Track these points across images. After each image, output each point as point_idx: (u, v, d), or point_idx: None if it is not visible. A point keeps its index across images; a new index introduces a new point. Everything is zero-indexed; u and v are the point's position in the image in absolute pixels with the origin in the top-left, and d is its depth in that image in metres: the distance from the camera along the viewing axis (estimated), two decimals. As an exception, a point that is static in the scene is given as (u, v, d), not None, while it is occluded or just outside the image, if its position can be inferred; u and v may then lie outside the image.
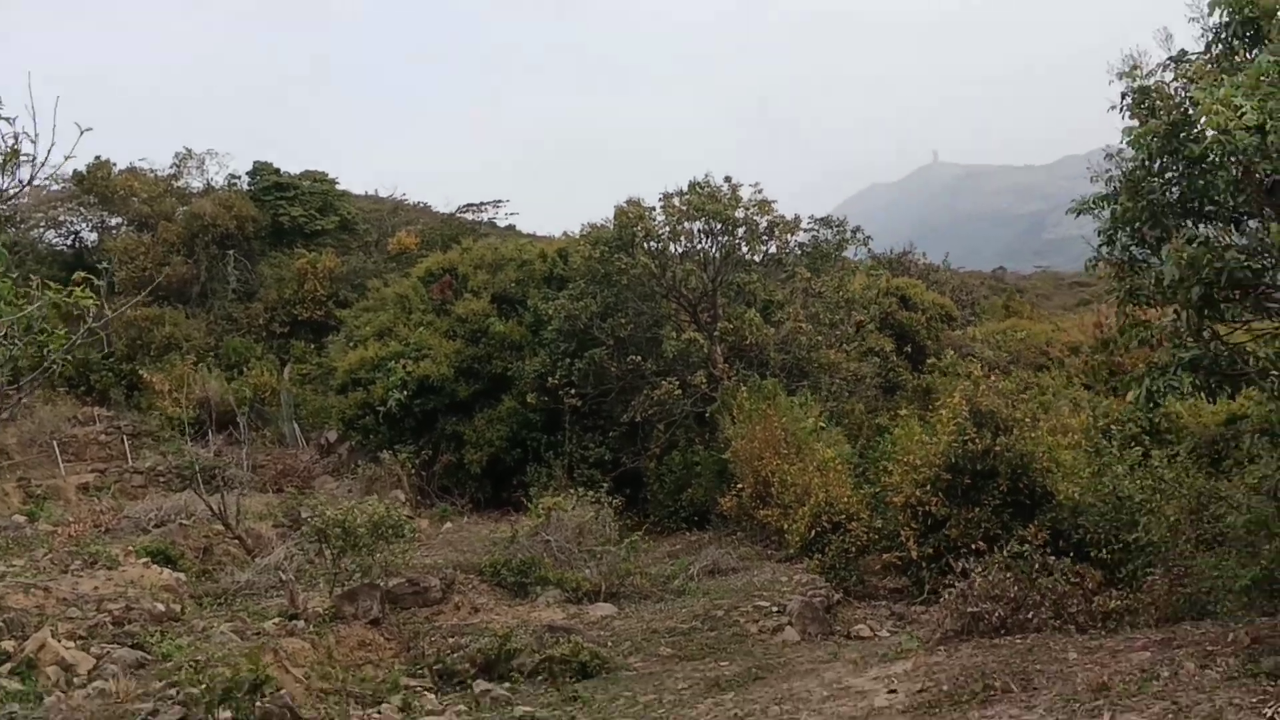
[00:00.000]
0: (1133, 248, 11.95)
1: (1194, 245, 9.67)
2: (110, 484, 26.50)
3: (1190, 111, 10.35)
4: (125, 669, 10.77)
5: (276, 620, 14.27)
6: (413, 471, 27.44)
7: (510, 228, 54.36)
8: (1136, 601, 12.06)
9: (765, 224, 27.63)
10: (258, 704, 8.14)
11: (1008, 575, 11.76)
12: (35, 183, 6.02)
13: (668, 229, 26.94)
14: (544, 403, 27.60)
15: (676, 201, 27.31)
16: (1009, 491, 16.72)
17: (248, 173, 47.49)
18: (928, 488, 17.15)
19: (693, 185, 27.44)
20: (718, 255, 27.35)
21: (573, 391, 26.94)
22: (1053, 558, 12.51)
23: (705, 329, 26.57)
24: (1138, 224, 11.42)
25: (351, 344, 32.04)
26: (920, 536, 17.12)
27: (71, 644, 11.27)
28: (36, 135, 5.83)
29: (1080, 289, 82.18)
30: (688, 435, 26.32)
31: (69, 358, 8.30)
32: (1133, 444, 18.46)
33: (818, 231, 29.24)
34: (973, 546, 16.45)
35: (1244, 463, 14.74)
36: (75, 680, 10.60)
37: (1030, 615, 11.15)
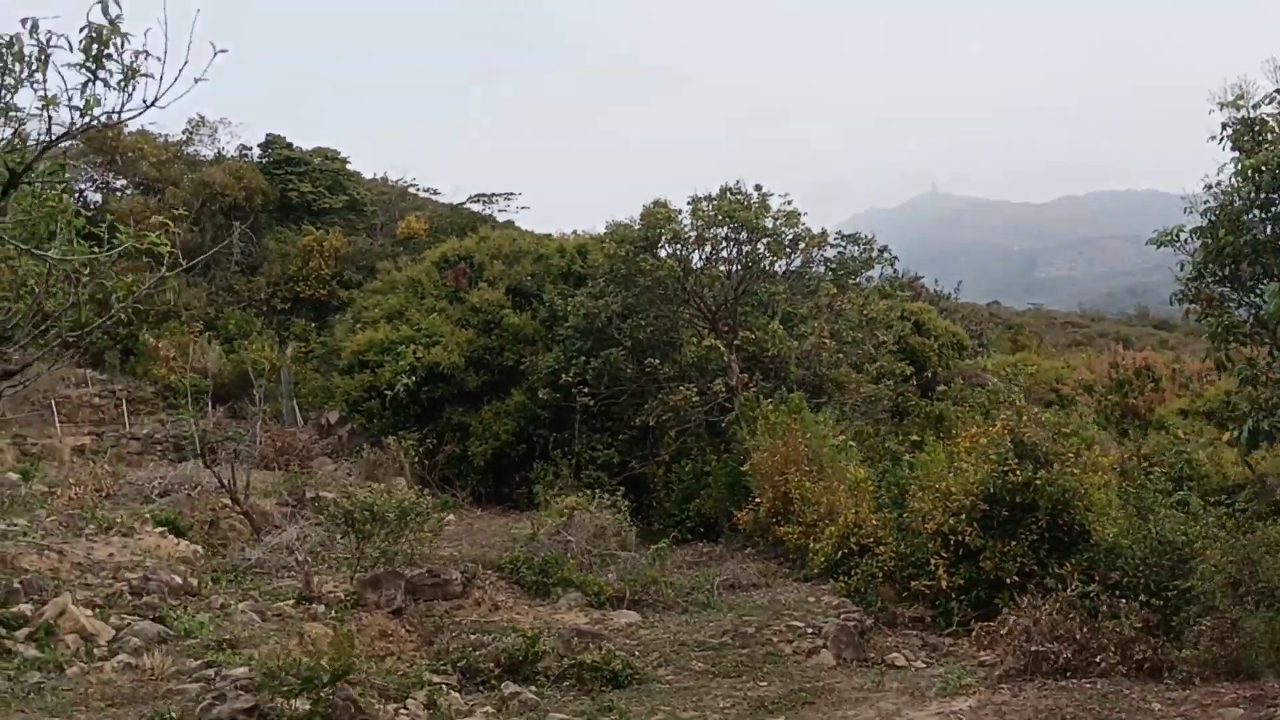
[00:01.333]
0: (1219, 284, 11.59)
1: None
2: (106, 448, 25.82)
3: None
4: (147, 643, 10.20)
5: (291, 602, 13.72)
6: (415, 459, 26.84)
7: (509, 223, 53.62)
8: (1206, 653, 11.56)
9: (792, 236, 27.21)
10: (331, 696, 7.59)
11: (1072, 615, 11.28)
12: (160, 104, 5.47)
13: (694, 233, 26.47)
14: (555, 399, 27.07)
15: (705, 206, 26.86)
16: (1048, 527, 16.28)
17: (259, 145, 46.82)
18: (963, 517, 16.69)
19: (724, 190, 26.98)
20: (742, 263, 26.92)
21: (586, 390, 26.42)
22: (1122, 600, 11.99)
23: (724, 337, 26.10)
24: (1236, 260, 11.04)
25: (359, 325, 31.42)
26: (950, 566, 16.66)
27: (88, 612, 10.68)
28: (166, 53, 5.27)
29: (1073, 329, 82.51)
30: (700, 444, 25.83)
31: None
32: (1171, 488, 18.12)
33: (844, 248, 28.82)
34: (1008, 581, 16.07)
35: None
36: (96, 651, 10.03)
37: (1098, 659, 10.69)
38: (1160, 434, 27.90)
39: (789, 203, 27.38)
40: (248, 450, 21.65)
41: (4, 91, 5.51)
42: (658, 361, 25.74)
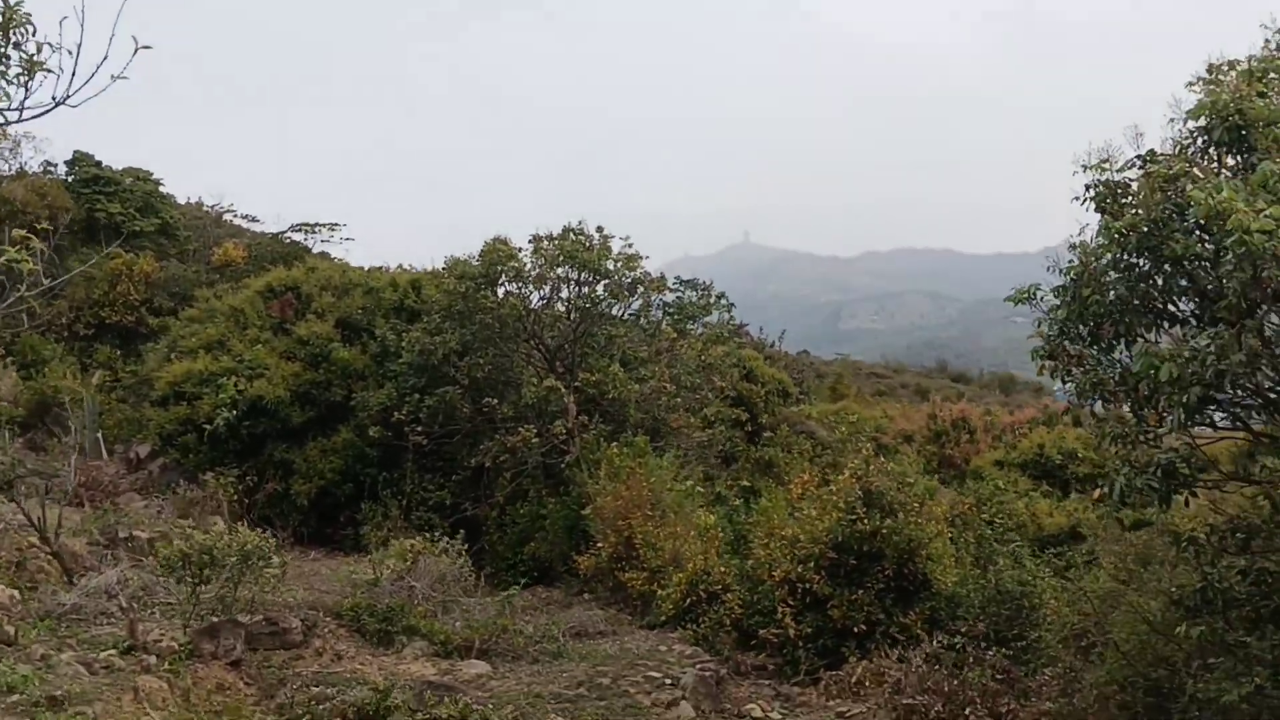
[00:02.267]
0: (1078, 342, 11.85)
1: (1190, 345, 9.46)
2: (-115, 481, 23.54)
3: (1180, 209, 10.28)
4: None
5: (115, 652, 12.61)
6: (234, 497, 25.46)
7: (323, 254, 51.87)
8: (1057, 706, 11.72)
9: (631, 279, 27.09)
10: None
11: (938, 667, 11.27)
12: (71, 103, 4.80)
13: (536, 271, 26.09)
14: (386, 437, 26.14)
15: (547, 245, 26.52)
16: (894, 576, 16.44)
17: (66, 161, 44.21)
18: (810, 565, 16.70)
19: (566, 230, 26.70)
20: (582, 304, 26.65)
21: (419, 429, 25.60)
22: (989, 651, 12.06)
23: (564, 378, 25.74)
24: (1098, 319, 11.30)
25: (175, 354, 29.73)
26: (798, 614, 16.61)
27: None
28: (79, 45, 4.63)
29: (877, 379, 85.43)
30: (536, 486, 25.32)
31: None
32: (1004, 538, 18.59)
33: (683, 292, 28.88)
34: (855, 630, 16.13)
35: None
36: (-100, 713, 8.89)
37: (966, 711, 10.69)
38: (978, 484, 28.77)
39: (629, 245, 27.33)
40: (58, 485, 20.06)
41: None
42: (496, 401, 25.16)
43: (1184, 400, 9.30)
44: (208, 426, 26.32)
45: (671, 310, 28.71)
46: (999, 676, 11.73)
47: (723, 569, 17.77)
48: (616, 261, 26.71)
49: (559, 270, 26.30)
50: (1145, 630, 12.51)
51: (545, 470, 25.40)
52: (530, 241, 26.88)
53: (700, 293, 29.08)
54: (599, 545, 20.57)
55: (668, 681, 13.78)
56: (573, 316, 26.34)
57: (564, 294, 26.93)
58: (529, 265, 26.40)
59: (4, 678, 9.88)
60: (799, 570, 16.73)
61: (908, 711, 10.78)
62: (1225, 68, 11.20)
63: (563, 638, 16.52)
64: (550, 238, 26.80)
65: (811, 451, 32.88)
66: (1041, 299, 12.81)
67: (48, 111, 4.84)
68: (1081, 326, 11.54)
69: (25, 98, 4.79)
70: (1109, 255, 11.05)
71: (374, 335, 28.53)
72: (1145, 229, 10.54)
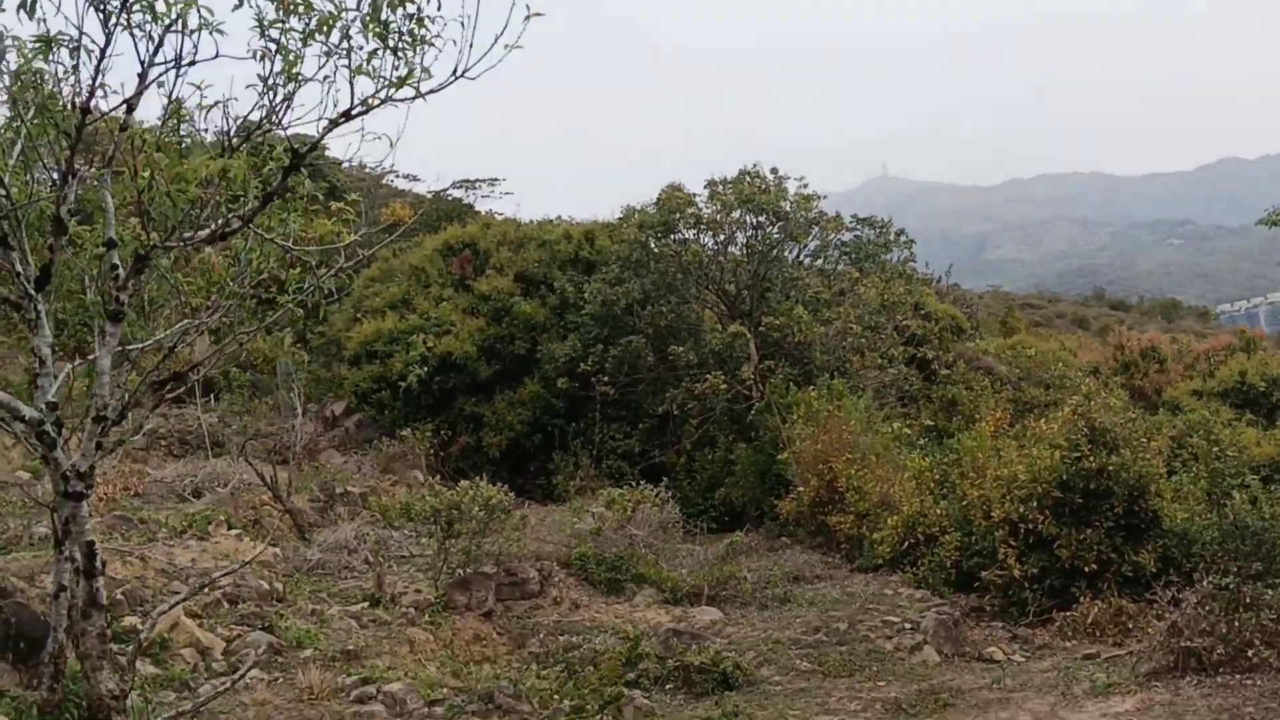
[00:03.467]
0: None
1: None
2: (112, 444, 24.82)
3: None
4: (264, 655, 9.57)
5: (364, 604, 13.10)
6: (429, 451, 26.17)
7: (490, 211, 52.72)
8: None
9: (807, 219, 26.80)
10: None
11: (1215, 607, 10.93)
12: (470, 75, 4.83)
13: (716, 217, 26.00)
14: (573, 388, 26.49)
15: (723, 189, 26.40)
16: (1124, 514, 15.98)
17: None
18: (1034, 504, 16.34)
19: (741, 174, 26.54)
20: (761, 248, 26.48)
21: (605, 379, 25.86)
22: (1268, 591, 11.64)
23: (744, 324, 25.66)
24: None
25: (361, 314, 30.58)
26: (1021, 555, 16.30)
27: (195, 624, 10.02)
28: (476, 17, 4.65)
29: (1031, 310, 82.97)
30: (722, 432, 25.40)
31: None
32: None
33: (861, 231, 28.44)
34: (1085, 569, 15.76)
35: None
36: (214, 665, 9.38)
37: (1248, 653, 10.35)
38: (1176, 415, 27.78)
39: (805, 185, 27.03)
40: (284, 445, 20.89)
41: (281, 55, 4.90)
42: (680, 349, 25.22)
43: None
44: (401, 383, 27.01)
45: (849, 249, 28.30)
46: (1274, 616, 11.24)
47: (939, 511, 17.53)
48: (792, 202, 26.45)
49: (735, 214, 26.17)
50: None
51: (731, 416, 25.43)
52: (706, 187, 26.81)
53: (879, 230, 28.58)
54: (800, 489, 20.51)
55: (907, 626, 13.70)
56: (752, 260, 26.20)
57: (740, 238, 26.81)
58: (706, 211, 26.32)
59: (292, 633, 10.34)
60: (1021, 510, 16.37)
61: (1185, 654, 10.48)
62: None
63: (784, 583, 16.56)
64: (725, 181, 26.66)
65: (992, 388, 32.24)
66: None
67: (445, 85, 4.89)
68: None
69: (421, 72, 4.82)
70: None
71: (552, 288, 28.85)
72: None
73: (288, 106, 5.02)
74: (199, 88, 5.39)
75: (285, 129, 5.37)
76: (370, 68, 4.79)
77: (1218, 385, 31.13)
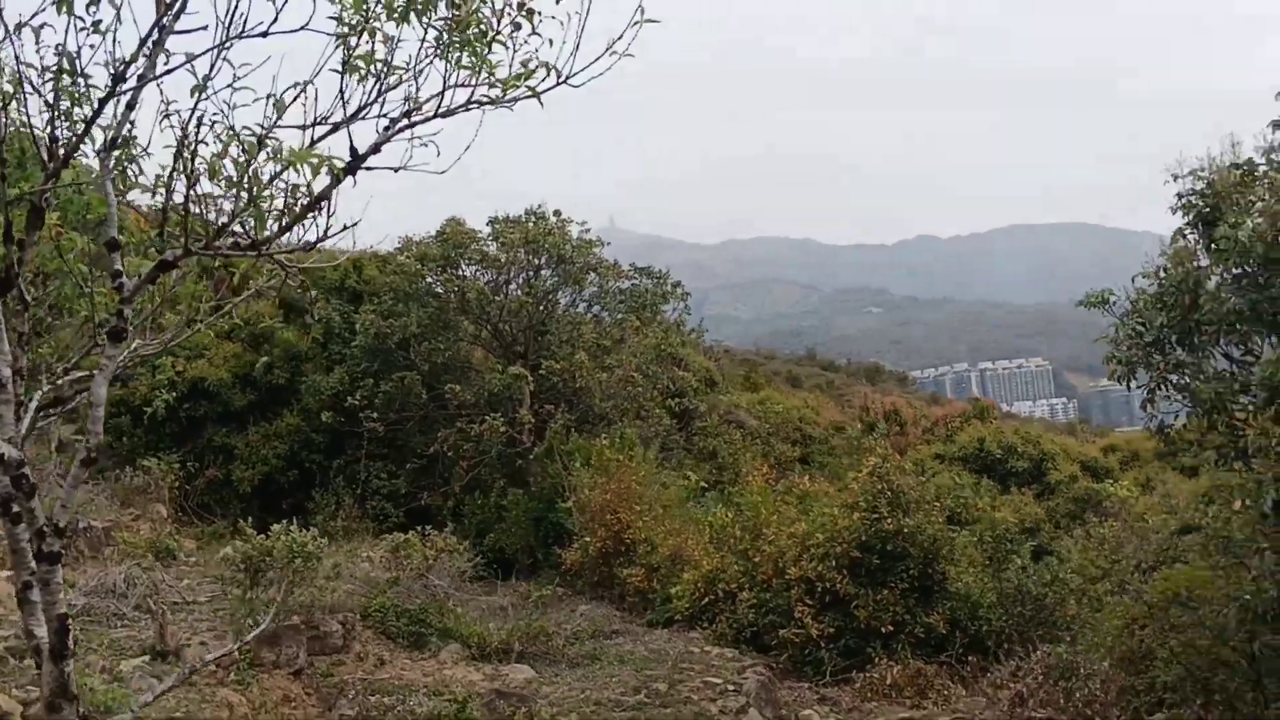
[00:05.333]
0: (1172, 353, 11.86)
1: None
2: None
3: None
4: None
5: (145, 659, 11.70)
6: (173, 484, 24.13)
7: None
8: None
9: (583, 264, 26.55)
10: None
11: (1053, 679, 11.16)
12: (573, 82, 4.05)
13: (502, 255, 25.38)
14: (337, 423, 25.08)
15: (506, 227, 25.84)
16: (918, 576, 16.37)
17: None
18: (831, 563, 16.50)
19: (528, 213, 26.07)
20: (542, 289, 26.03)
21: (374, 415, 24.63)
22: (1102, 662, 11.97)
23: (524, 365, 25.07)
24: (1201, 328, 11.32)
25: (98, 331, 28.03)
26: (816, 614, 16.40)
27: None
28: (585, 15, 3.95)
29: (748, 365, 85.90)
30: (494, 476, 24.64)
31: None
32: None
33: (639, 280, 28.41)
34: (882, 630, 15.99)
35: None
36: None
37: (1086, 722, 10.60)
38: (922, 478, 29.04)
39: (587, 230, 26.84)
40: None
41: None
42: (458, 388, 24.33)
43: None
44: (145, 409, 24.84)
45: (624, 298, 28.18)
46: (1099, 685, 11.58)
47: (737, 568, 17.44)
48: (574, 246, 26.17)
49: (520, 254, 25.64)
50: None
51: (504, 460, 24.73)
52: (489, 224, 26.19)
53: (656, 281, 28.62)
54: (586, 539, 20.02)
55: (730, 688, 13.38)
56: (531, 302, 25.68)
57: (520, 279, 26.29)
58: (491, 249, 25.68)
59: (100, 696, 8.96)
60: (818, 569, 16.50)
61: (1025, 725, 10.64)
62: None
63: (577, 638, 16.01)
64: (509, 220, 26.12)
65: (744, 442, 32.89)
66: (1114, 304, 12.87)
67: (545, 91, 4.12)
68: (1183, 336, 11.56)
69: (524, 76, 4.04)
70: (1219, 265, 11.06)
71: (317, 317, 27.35)
72: (1270, 239, 10.53)
73: (381, 100, 4.18)
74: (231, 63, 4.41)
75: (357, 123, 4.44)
76: (477, 60, 3.99)
77: (958, 450, 32.89)
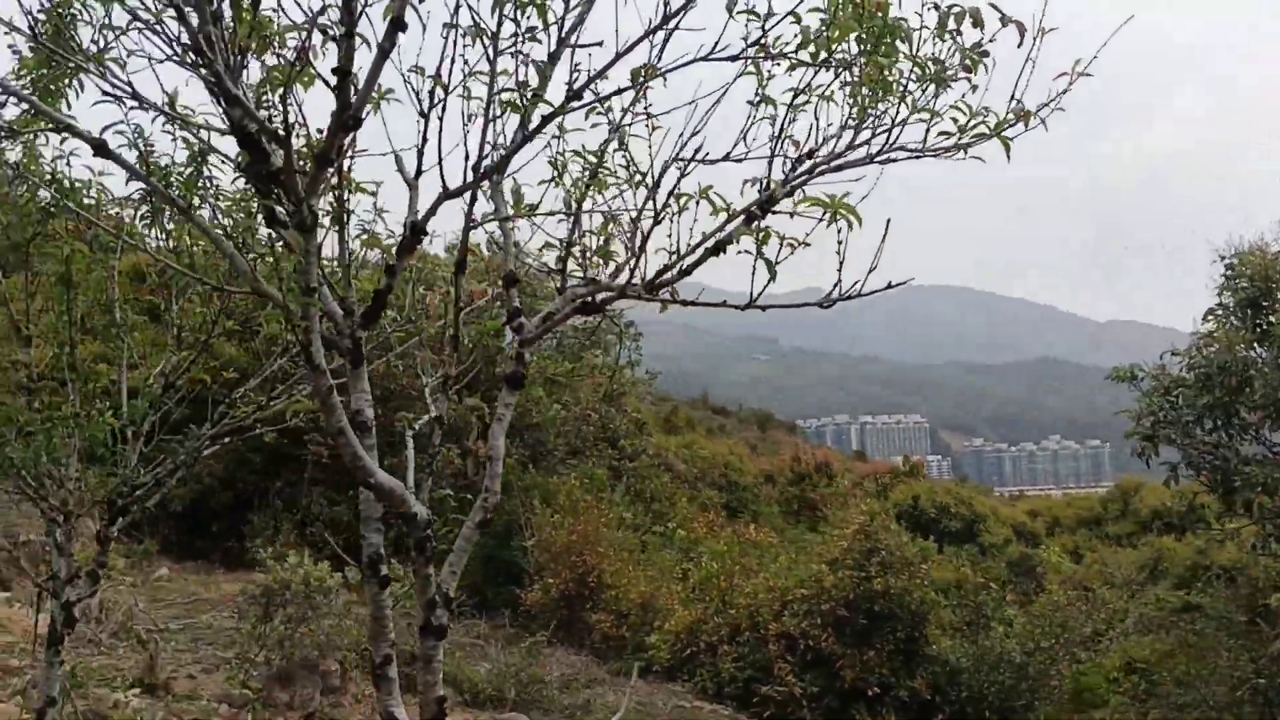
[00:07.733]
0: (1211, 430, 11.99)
1: None
2: None
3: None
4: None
5: (136, 690, 10.97)
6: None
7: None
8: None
9: (543, 293, 26.10)
10: None
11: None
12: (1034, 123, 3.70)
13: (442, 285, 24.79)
14: (280, 444, 24.04)
15: (447, 256, 25.31)
16: (905, 639, 16.24)
17: None
18: (816, 620, 16.30)
19: (491, 242, 25.55)
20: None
21: (321, 438, 23.68)
22: None
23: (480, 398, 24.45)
24: (1237, 407, 11.48)
25: (23, 338, 26.60)
26: (797, 672, 16.15)
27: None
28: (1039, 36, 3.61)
29: (664, 405, 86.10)
30: (442, 509, 23.91)
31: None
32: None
33: (590, 320, 28.01)
34: (868, 692, 15.81)
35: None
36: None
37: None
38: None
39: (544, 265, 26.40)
40: None
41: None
42: (411, 415, 23.55)
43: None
44: (74, 418, 23.62)
45: (577, 335, 27.76)
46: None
47: (718, 619, 17.11)
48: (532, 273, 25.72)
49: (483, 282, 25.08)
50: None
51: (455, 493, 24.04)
52: (447, 251, 25.61)
53: (612, 319, 28.21)
54: (548, 580, 19.44)
55: (739, 747, 13.06)
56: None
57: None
58: (442, 279, 25.10)
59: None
60: (801, 625, 16.29)
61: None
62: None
63: (555, 685, 15.46)
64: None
65: (673, 485, 32.74)
66: (1141, 380, 13.00)
67: (980, 141, 3.73)
68: (1215, 416, 11.70)
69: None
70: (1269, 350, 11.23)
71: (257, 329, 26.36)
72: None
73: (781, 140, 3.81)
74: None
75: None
76: (918, 95, 3.61)
77: (893, 506, 33.05)
